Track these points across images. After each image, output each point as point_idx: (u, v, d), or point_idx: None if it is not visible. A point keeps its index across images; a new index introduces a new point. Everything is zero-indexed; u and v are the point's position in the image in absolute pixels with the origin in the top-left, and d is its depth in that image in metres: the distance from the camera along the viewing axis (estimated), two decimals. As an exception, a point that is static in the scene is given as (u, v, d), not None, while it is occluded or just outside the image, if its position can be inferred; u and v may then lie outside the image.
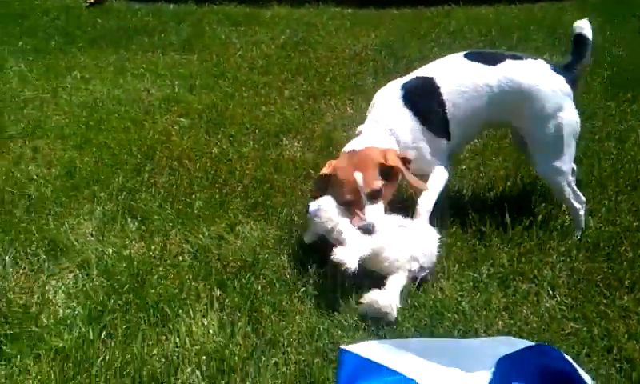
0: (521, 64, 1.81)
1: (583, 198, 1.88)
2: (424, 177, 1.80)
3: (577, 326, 1.52)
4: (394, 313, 1.52)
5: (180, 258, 1.82)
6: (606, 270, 1.72)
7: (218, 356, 1.46)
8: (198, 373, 1.42)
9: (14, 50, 3.81)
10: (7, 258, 1.84)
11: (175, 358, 1.46)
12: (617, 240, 1.84)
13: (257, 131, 2.63)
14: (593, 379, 1.28)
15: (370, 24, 4.27)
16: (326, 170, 1.76)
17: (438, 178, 1.81)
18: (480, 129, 1.99)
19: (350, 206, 1.70)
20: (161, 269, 1.75)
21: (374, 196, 1.69)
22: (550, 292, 1.65)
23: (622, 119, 2.69)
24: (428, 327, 1.52)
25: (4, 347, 1.51)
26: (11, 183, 2.26)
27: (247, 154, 2.43)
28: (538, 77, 1.78)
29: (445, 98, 1.79)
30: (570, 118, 1.78)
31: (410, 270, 1.62)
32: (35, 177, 2.30)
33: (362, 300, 1.56)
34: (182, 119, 2.76)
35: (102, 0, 4.96)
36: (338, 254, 1.57)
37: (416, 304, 1.60)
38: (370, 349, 1.06)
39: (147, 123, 2.71)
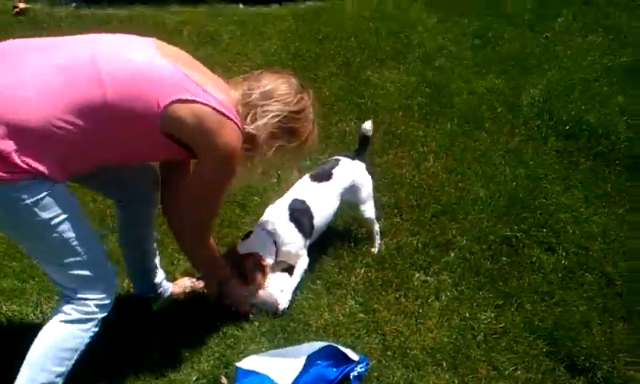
0: (348, 167, 3.07)
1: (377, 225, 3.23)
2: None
3: (362, 316, 2.90)
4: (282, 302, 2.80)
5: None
6: (383, 277, 3.06)
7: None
8: None
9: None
10: None
11: None
12: (395, 253, 3.24)
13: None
14: (359, 353, 2.67)
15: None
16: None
17: (301, 265, 2.90)
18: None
19: None
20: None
21: None
22: (353, 294, 3.01)
23: (423, 143, 4.08)
24: (281, 330, 2.79)
25: None
26: None
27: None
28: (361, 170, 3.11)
29: (313, 213, 2.92)
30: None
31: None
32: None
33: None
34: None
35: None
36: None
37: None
38: (250, 361, 2.41)
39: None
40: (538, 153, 3.92)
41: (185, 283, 3.02)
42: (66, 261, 2.10)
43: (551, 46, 5.13)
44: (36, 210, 1.95)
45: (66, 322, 2.19)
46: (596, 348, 2.70)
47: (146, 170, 2.58)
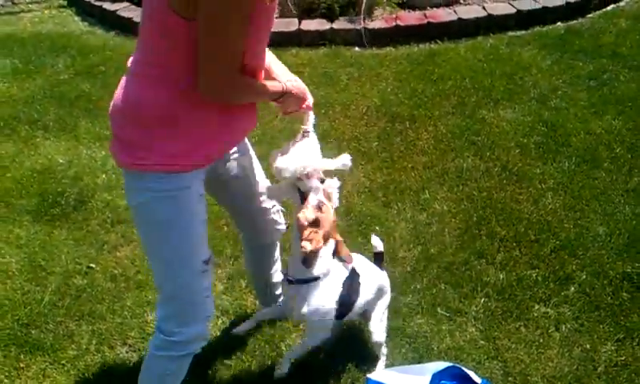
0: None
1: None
2: None
3: (483, 343, 3.01)
4: None
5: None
6: (502, 307, 3.14)
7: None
8: None
9: None
10: None
11: None
12: (514, 285, 3.31)
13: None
14: (480, 375, 2.79)
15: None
16: None
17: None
18: None
19: None
20: None
21: None
22: (473, 322, 3.11)
23: (540, 181, 4.14)
24: (413, 351, 2.99)
25: None
26: None
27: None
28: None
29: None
30: None
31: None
32: None
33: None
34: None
35: None
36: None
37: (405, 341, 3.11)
38: (379, 374, 2.58)
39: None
40: (659, 193, 3.89)
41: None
42: (157, 272, 2.11)
43: (670, 88, 5.08)
44: (153, 205, 1.94)
45: (150, 354, 2.22)
46: None
47: (270, 215, 2.65)
